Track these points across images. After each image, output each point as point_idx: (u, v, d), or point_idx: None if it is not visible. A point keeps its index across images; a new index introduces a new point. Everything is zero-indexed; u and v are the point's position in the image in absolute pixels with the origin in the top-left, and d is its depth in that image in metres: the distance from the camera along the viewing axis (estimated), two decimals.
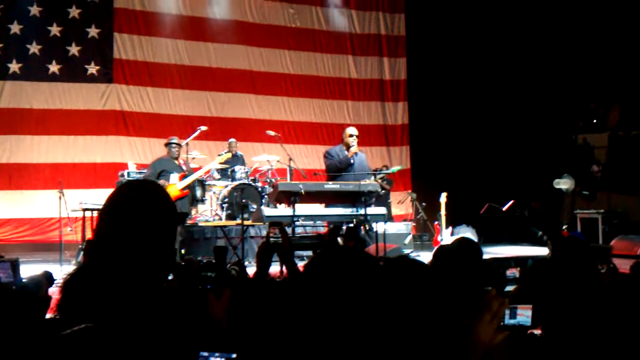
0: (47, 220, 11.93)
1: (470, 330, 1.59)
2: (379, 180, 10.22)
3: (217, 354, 1.98)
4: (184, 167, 9.34)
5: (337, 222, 8.34)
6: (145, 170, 9.74)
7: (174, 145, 9.21)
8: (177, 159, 9.25)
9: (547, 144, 13.88)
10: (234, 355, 1.94)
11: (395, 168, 12.23)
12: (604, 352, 2.31)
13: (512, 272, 5.90)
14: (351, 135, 8.44)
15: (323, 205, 8.37)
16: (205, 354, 1.98)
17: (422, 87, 15.18)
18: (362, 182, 8.30)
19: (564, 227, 11.78)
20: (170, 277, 3.30)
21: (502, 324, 1.64)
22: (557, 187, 11.94)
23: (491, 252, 10.25)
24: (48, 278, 3.97)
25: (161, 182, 8.79)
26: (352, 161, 8.37)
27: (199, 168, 9.95)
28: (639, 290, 2.58)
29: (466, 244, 2.80)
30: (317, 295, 1.59)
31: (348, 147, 8.41)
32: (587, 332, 2.37)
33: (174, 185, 8.84)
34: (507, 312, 1.63)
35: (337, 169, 8.36)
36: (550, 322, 2.39)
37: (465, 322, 1.60)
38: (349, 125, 14.97)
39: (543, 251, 9.58)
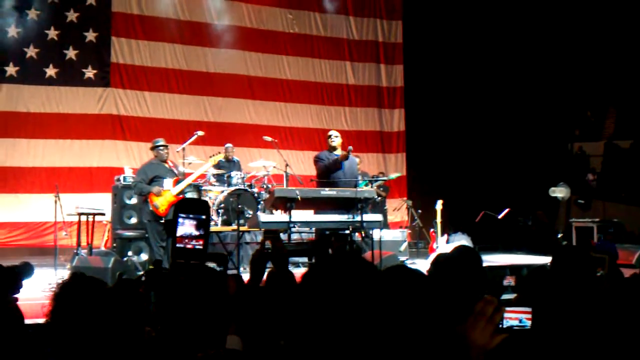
0: (42, 225, 11.88)
1: (465, 335, 1.59)
2: (376, 187, 10.22)
3: None
4: (175, 171, 9.19)
5: (333, 228, 8.34)
6: (135, 176, 9.56)
7: (161, 147, 8.97)
8: (166, 161, 9.10)
9: (543, 152, 13.92)
10: None
11: (393, 175, 12.23)
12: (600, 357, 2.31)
13: (509, 280, 5.92)
14: (330, 136, 8.67)
15: (312, 211, 8.32)
16: None
17: (418, 94, 15.21)
18: (359, 189, 8.31)
19: (559, 236, 11.83)
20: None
21: (500, 327, 1.65)
22: (553, 195, 11.97)
23: (486, 260, 10.26)
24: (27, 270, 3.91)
25: (155, 189, 8.66)
26: (343, 163, 8.43)
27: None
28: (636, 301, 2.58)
29: (467, 252, 2.80)
30: (317, 304, 1.59)
31: (333, 149, 8.53)
32: (584, 337, 2.38)
33: (169, 191, 8.73)
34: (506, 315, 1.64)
35: (328, 170, 8.38)
36: (548, 329, 2.39)
37: (458, 328, 1.60)
38: (346, 131, 15.17)
39: (538, 260, 9.59)
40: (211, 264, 2.22)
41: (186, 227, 2.22)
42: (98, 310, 1.96)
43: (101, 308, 1.97)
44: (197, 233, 2.23)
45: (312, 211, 8.25)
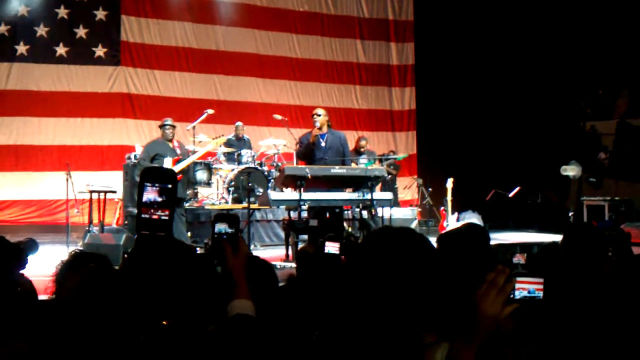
0: (54, 202, 11.98)
1: (476, 306, 1.60)
2: (386, 166, 10.23)
3: None
4: (178, 150, 9.15)
5: (341, 206, 8.36)
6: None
7: (167, 126, 8.96)
8: (171, 140, 9.06)
9: (555, 130, 13.84)
10: None
11: (400, 155, 12.22)
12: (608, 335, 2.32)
13: (518, 258, 5.90)
14: (312, 115, 8.22)
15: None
16: None
17: (429, 73, 15.12)
18: (369, 167, 8.30)
19: (570, 214, 11.80)
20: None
21: (511, 297, 1.65)
22: (564, 173, 11.92)
23: (497, 238, 10.27)
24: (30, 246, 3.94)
25: (155, 166, 8.67)
26: (321, 142, 8.13)
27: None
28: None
29: (474, 228, 2.81)
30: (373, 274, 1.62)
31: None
32: (592, 316, 2.38)
33: None
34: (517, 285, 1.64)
35: (304, 155, 8.22)
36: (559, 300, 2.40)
37: (471, 299, 1.61)
38: (357, 110, 15.14)
39: (549, 238, 9.57)
40: (222, 225, 2.13)
41: (150, 193, 2.16)
42: (102, 288, 1.95)
43: (105, 285, 1.96)
44: (160, 199, 2.16)
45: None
